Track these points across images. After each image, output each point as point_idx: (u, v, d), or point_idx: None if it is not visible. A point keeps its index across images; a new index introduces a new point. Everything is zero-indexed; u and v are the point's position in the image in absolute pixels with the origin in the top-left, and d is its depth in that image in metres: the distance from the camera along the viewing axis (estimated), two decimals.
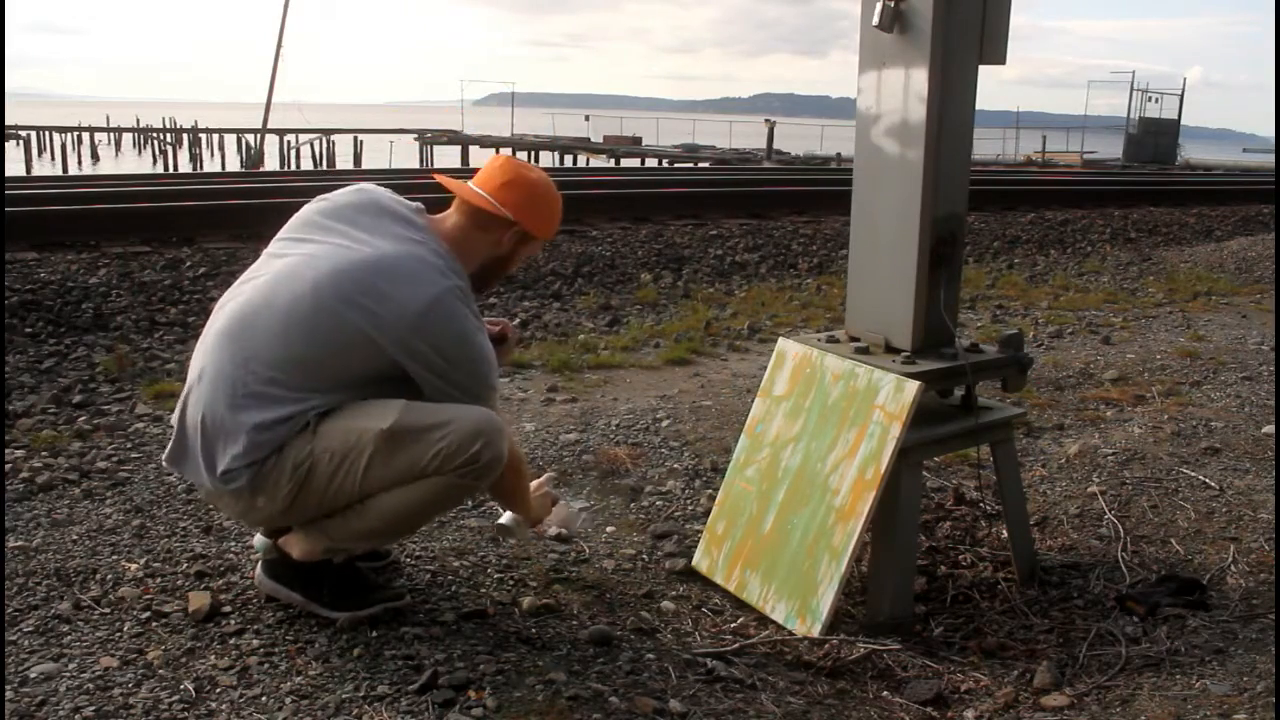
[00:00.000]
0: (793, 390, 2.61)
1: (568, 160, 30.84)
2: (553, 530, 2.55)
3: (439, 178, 2.32)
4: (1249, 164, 35.97)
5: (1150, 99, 31.73)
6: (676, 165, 26.05)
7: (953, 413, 2.60)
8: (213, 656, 2.04)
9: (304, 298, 2.02)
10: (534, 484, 2.47)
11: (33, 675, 1.94)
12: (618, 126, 41.07)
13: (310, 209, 2.20)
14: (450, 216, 2.21)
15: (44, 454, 3.17)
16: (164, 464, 2.24)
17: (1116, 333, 5.65)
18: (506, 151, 33.05)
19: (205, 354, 2.10)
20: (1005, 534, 2.75)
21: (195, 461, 2.08)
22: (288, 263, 2.09)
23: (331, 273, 2.03)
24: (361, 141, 34.03)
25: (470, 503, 2.97)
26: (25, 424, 3.48)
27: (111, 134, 42.37)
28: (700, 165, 24.54)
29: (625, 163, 28.01)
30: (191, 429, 2.08)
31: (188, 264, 6.00)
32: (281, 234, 2.20)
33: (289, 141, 30.94)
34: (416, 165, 27.54)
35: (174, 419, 2.15)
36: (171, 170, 31.44)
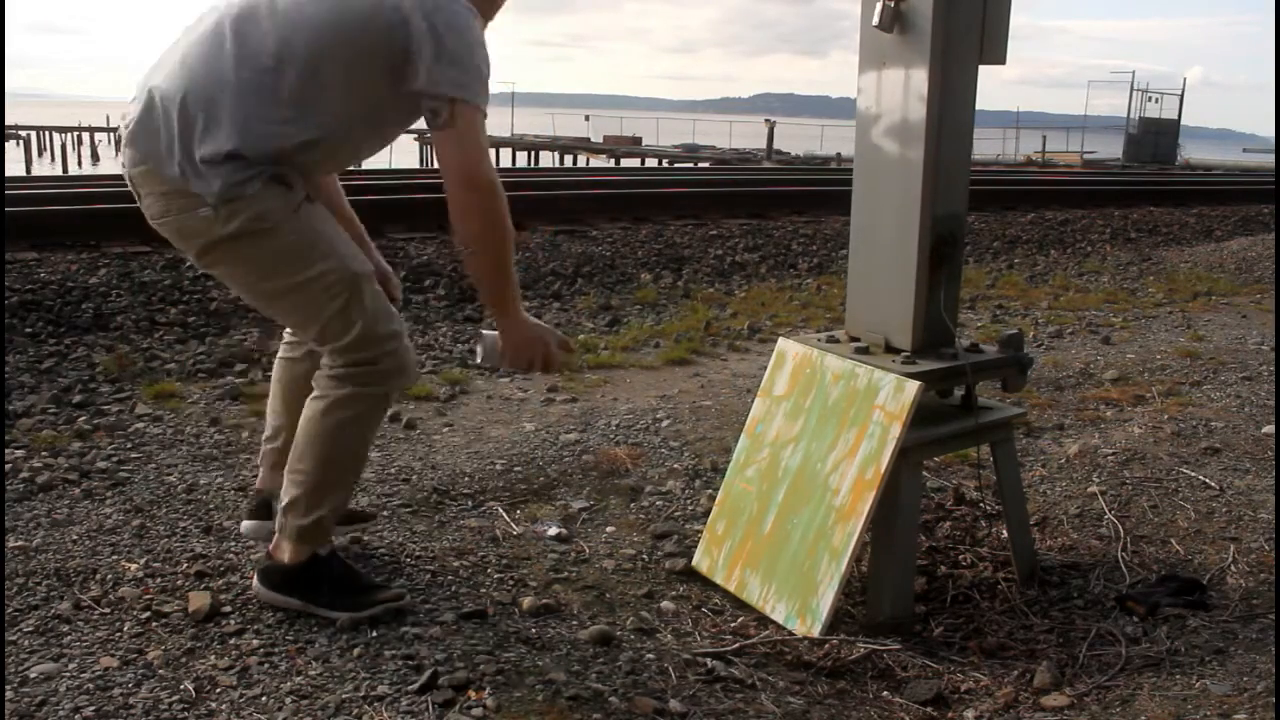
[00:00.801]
0: (793, 390, 2.61)
1: (568, 160, 30.83)
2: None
3: None
4: (1249, 164, 35.98)
5: (1150, 99, 31.76)
6: (676, 165, 26.06)
7: (953, 413, 2.60)
8: (213, 656, 2.04)
9: None
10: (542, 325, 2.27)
11: (33, 675, 1.95)
12: (618, 126, 41.10)
13: None
14: None
15: (44, 454, 3.17)
16: (118, 144, 2.11)
17: (1116, 333, 5.65)
18: (506, 152, 33.03)
19: (196, 43, 2.02)
20: (1005, 534, 2.75)
21: (160, 141, 1.99)
22: None
23: None
24: None
25: (471, 503, 2.98)
26: (25, 424, 3.49)
27: (111, 134, 42.34)
28: (700, 165, 24.54)
29: (625, 163, 28.00)
30: (166, 108, 1.99)
31: (188, 264, 5.99)
32: None
33: None
34: (416, 165, 27.53)
35: (133, 105, 2.05)
36: None
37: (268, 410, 2.51)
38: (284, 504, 2.18)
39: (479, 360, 2.28)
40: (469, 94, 1.99)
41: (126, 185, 2.11)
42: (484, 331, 2.27)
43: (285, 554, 2.20)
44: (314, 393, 2.16)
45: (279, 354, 2.47)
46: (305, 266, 2.05)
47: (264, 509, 2.44)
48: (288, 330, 2.42)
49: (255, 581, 2.26)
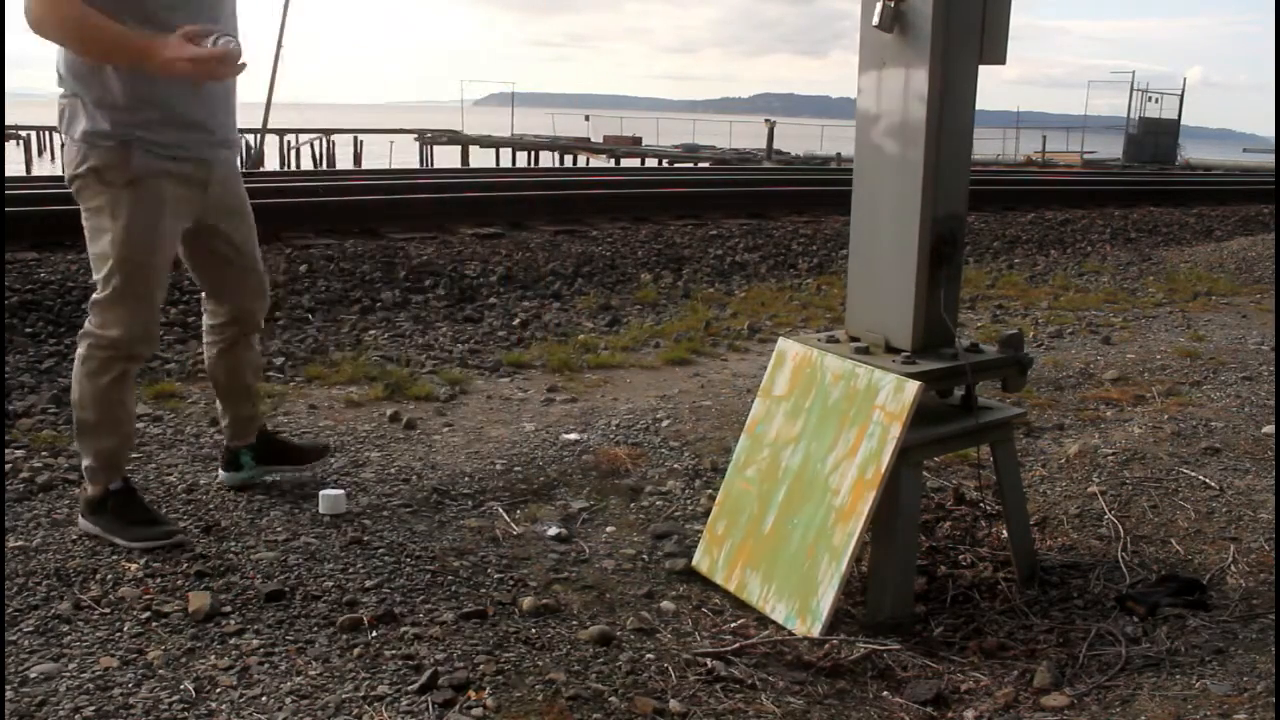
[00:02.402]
0: (793, 390, 2.61)
1: (568, 160, 30.81)
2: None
3: None
4: (1249, 164, 35.96)
5: (1150, 99, 31.77)
6: (676, 165, 26.04)
7: (953, 413, 2.60)
8: (213, 656, 2.04)
9: None
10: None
11: (33, 675, 1.95)
12: (618, 126, 41.07)
13: None
14: None
15: (44, 454, 3.17)
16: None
17: (1116, 333, 5.65)
18: (506, 152, 33.03)
19: None
20: (1005, 534, 2.75)
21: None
22: None
23: None
24: (361, 141, 34.00)
25: (471, 503, 2.98)
26: (25, 424, 3.48)
27: None
28: (700, 165, 24.53)
29: (625, 163, 27.98)
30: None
31: None
32: None
33: (289, 141, 30.92)
34: (417, 165, 27.55)
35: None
36: None
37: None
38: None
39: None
40: None
41: None
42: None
43: (87, 489, 2.62)
44: None
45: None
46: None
47: (234, 462, 2.95)
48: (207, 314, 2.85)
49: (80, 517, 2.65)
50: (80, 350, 2.53)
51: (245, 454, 2.94)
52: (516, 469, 3.25)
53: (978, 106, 2.47)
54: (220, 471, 2.98)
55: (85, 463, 2.59)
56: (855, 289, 2.66)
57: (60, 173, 2.57)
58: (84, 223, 2.45)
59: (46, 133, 37.18)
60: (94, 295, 2.48)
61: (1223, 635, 2.35)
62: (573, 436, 3.56)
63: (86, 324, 2.52)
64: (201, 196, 2.54)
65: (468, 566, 2.54)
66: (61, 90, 2.40)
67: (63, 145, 2.45)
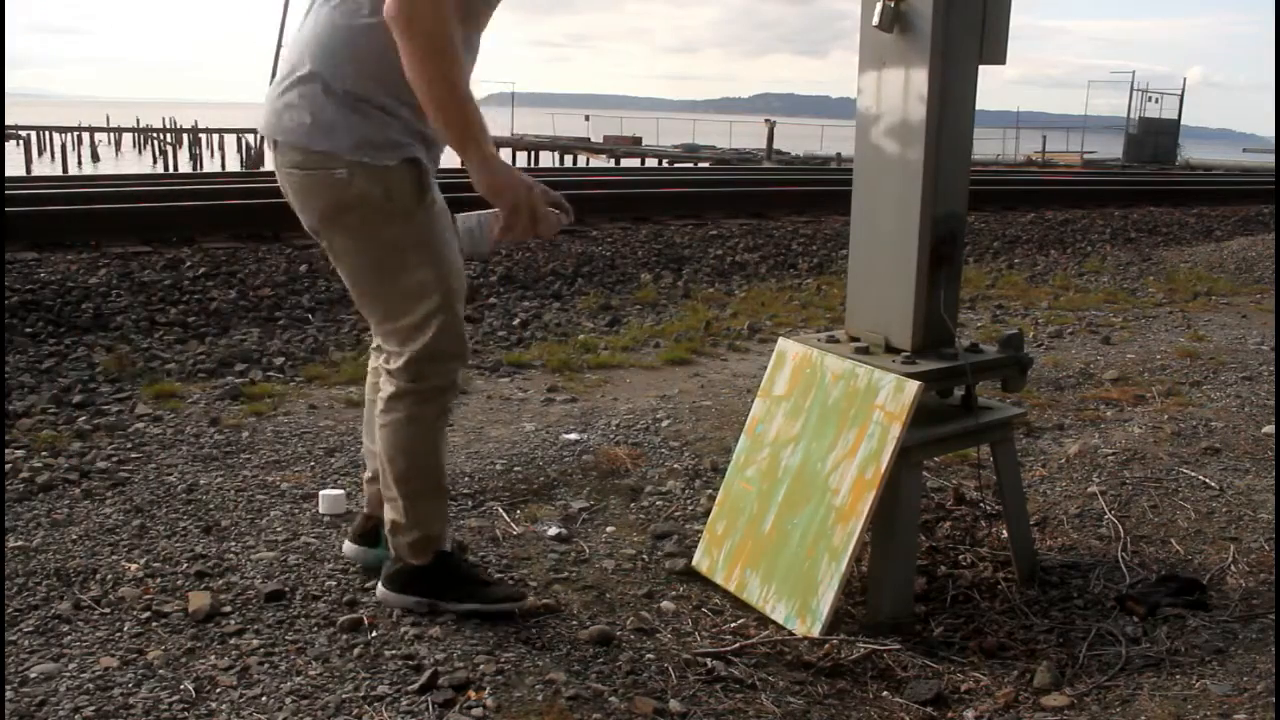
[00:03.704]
0: (793, 390, 2.61)
1: (568, 160, 30.81)
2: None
3: None
4: (1249, 164, 36.00)
5: (1150, 99, 31.84)
6: (676, 165, 26.06)
7: (953, 413, 2.60)
8: (213, 656, 2.04)
9: None
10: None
11: (33, 675, 1.95)
12: (618, 126, 41.09)
13: None
14: None
15: (44, 454, 3.17)
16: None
17: (1116, 333, 5.65)
18: (506, 152, 33.00)
19: None
20: (1005, 534, 2.75)
21: None
22: None
23: None
24: None
25: (471, 503, 2.98)
26: (25, 424, 3.48)
27: (111, 134, 42.46)
28: (700, 165, 24.54)
29: (625, 163, 27.99)
30: None
31: (188, 264, 6.00)
32: None
33: None
34: None
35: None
36: (171, 170, 31.43)
37: (364, 441, 2.46)
38: (388, 528, 2.25)
39: (462, 250, 2.06)
40: None
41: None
42: (459, 215, 1.99)
43: (410, 558, 2.23)
44: (378, 409, 2.17)
45: (369, 368, 2.41)
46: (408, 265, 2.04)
47: (371, 535, 2.42)
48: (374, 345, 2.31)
49: (380, 587, 2.27)
50: (401, 414, 2.10)
51: None
52: (516, 469, 3.25)
53: (978, 106, 2.47)
54: (346, 543, 2.49)
55: (412, 537, 2.19)
56: (855, 289, 2.66)
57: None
58: (357, 260, 2.05)
59: (46, 133, 37.24)
60: (403, 349, 2.06)
61: (1223, 635, 2.35)
62: (573, 436, 3.56)
63: (396, 384, 2.08)
64: None
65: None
66: (310, 80, 1.95)
67: (276, 150, 2.04)
